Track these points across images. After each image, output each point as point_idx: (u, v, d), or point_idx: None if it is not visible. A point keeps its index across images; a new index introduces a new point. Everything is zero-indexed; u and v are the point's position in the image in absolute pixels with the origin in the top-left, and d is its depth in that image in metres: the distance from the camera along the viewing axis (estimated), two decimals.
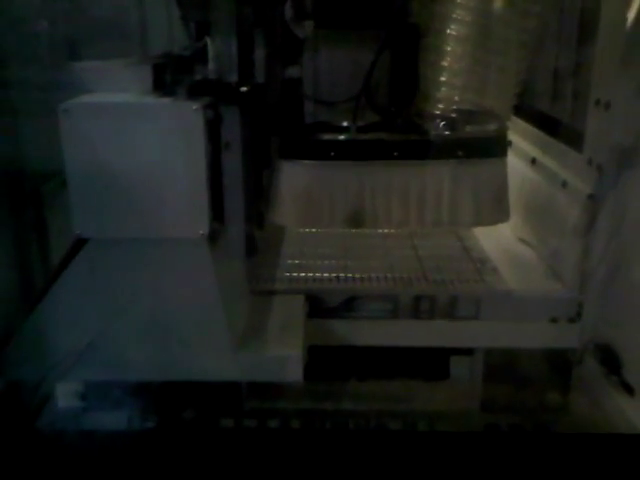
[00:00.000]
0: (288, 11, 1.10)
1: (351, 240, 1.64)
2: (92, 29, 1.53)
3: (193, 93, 1.03)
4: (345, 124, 1.15)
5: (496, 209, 1.22)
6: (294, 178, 1.18)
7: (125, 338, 1.14)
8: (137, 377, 1.18)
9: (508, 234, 1.66)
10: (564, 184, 1.41)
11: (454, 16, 1.08)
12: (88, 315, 1.15)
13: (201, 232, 1.08)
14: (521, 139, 1.65)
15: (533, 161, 1.59)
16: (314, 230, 1.65)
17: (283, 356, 1.19)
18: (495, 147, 1.20)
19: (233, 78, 1.03)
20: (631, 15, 1.18)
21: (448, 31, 1.09)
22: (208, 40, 1.02)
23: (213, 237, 1.11)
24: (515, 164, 1.54)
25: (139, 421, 1.32)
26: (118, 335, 1.14)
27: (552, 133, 1.55)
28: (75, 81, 1.12)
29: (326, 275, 1.47)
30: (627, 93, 1.20)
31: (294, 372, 1.18)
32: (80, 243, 1.14)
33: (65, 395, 1.30)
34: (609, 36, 1.25)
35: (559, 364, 1.42)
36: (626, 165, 1.24)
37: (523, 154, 1.62)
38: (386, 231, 1.66)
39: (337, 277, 1.46)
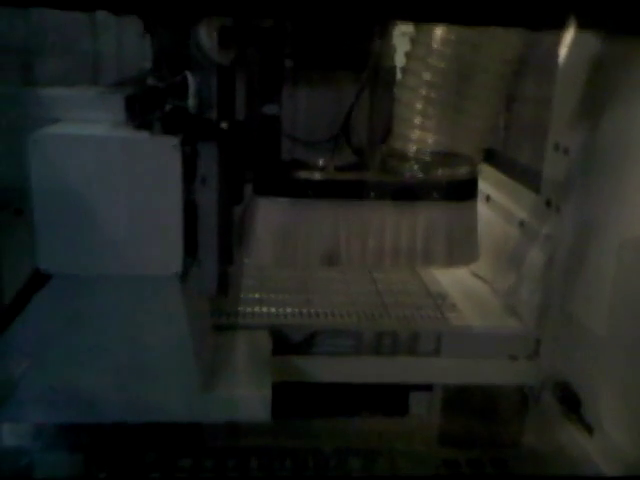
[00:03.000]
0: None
1: (310, 272, 1.64)
2: (53, 52, 1.48)
3: (170, 127, 1.01)
4: (322, 163, 1.15)
5: (467, 250, 1.24)
6: (269, 215, 1.17)
7: (88, 378, 1.09)
8: (100, 419, 1.13)
9: (462, 269, 1.69)
10: (521, 223, 1.45)
11: (429, 61, 1.10)
12: (50, 354, 1.10)
13: (174, 270, 1.05)
14: None
15: (487, 198, 1.62)
16: None
17: (252, 395, 1.16)
18: (466, 190, 1.22)
19: (212, 114, 1.02)
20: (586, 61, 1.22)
21: (423, 75, 1.10)
22: (188, 75, 1.00)
23: (185, 274, 1.08)
24: None
25: (96, 464, 1.27)
26: (81, 375, 1.09)
27: (507, 172, 1.59)
28: (41, 108, 1.07)
29: (288, 310, 1.45)
30: (584, 137, 1.24)
31: (262, 411, 1.16)
32: (40, 277, 1.09)
33: (17, 434, 1.24)
34: (567, 82, 1.29)
35: (518, 400, 1.45)
36: (583, 205, 1.28)
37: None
38: None
39: (300, 312, 1.45)
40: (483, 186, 1.65)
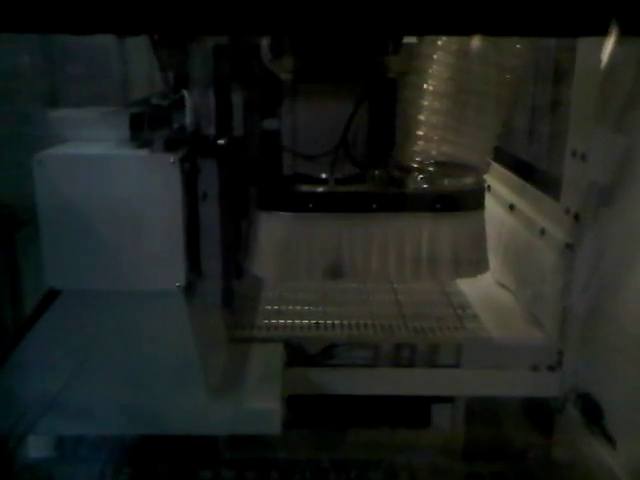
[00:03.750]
0: (266, 55, 1.10)
1: (330, 284, 1.63)
2: (72, 76, 1.53)
3: (170, 145, 1.03)
4: (323, 176, 1.16)
5: (475, 261, 1.22)
6: (272, 229, 1.17)
7: (99, 391, 1.11)
8: (110, 431, 1.15)
9: (488, 277, 1.66)
10: (542, 232, 1.42)
11: (431, 71, 1.09)
12: (61, 367, 1.13)
13: (177, 284, 1.06)
14: (500, 184, 1.67)
15: (511, 207, 1.59)
16: None
17: (261, 408, 1.16)
18: (473, 200, 1.20)
19: (210, 130, 1.03)
20: (604, 66, 1.19)
21: (425, 86, 1.10)
22: (185, 93, 1.02)
23: (190, 289, 1.09)
24: (493, 209, 1.54)
25: (112, 474, 1.29)
26: (91, 388, 1.11)
27: (529, 179, 1.56)
28: (50, 130, 1.11)
29: (305, 322, 1.45)
30: (603, 144, 1.21)
31: (272, 425, 1.16)
32: (53, 293, 1.13)
33: (38, 445, 1.27)
34: (584, 88, 1.26)
35: (541, 412, 1.41)
36: (603, 214, 1.25)
37: (502, 199, 1.63)
38: None
39: (316, 324, 1.45)
40: (507, 194, 1.63)
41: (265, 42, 1.09)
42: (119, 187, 1.03)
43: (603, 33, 1.04)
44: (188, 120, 1.02)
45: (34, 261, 1.23)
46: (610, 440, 1.20)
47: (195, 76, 1.02)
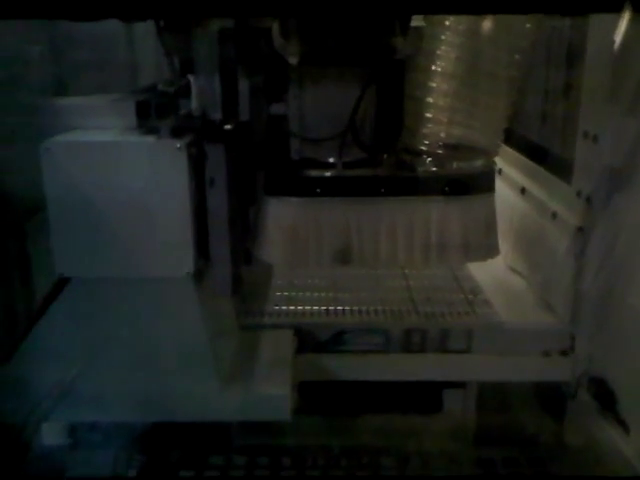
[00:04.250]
0: (277, 39, 1.09)
1: (340, 270, 1.63)
2: (80, 63, 1.52)
3: (177, 130, 1.02)
4: (331, 160, 1.15)
5: (485, 245, 1.21)
6: (280, 215, 1.17)
7: (109, 379, 1.12)
8: (122, 418, 1.16)
9: (499, 262, 1.64)
10: (554, 216, 1.40)
11: (439, 52, 1.07)
12: (72, 355, 1.13)
13: (186, 271, 1.06)
14: (511, 168, 1.65)
15: (522, 190, 1.58)
16: None
17: (271, 395, 1.17)
18: (482, 183, 1.19)
19: (217, 115, 1.02)
20: (616, 47, 1.17)
21: (434, 67, 1.08)
22: (191, 78, 1.01)
23: (198, 275, 1.09)
24: (504, 192, 1.53)
25: (125, 460, 1.30)
26: (102, 376, 1.12)
27: (542, 163, 1.54)
28: (57, 118, 1.11)
29: (315, 308, 1.45)
30: (614, 125, 1.19)
31: (282, 411, 1.16)
32: (64, 281, 1.13)
33: (52, 433, 1.28)
34: (595, 69, 1.24)
35: (553, 397, 1.40)
36: (615, 197, 1.24)
37: (513, 183, 1.62)
38: None
39: (327, 310, 1.44)
40: (518, 178, 1.61)
41: (276, 26, 1.08)
42: (126, 174, 1.03)
43: (616, 10, 1.02)
44: (194, 105, 1.02)
45: (44, 250, 1.24)
46: (623, 425, 1.19)
47: (201, 61, 1.01)
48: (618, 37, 1.16)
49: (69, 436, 1.27)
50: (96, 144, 1.03)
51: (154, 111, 1.07)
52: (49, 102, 1.16)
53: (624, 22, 1.14)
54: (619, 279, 1.23)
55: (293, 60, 1.07)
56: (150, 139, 1.02)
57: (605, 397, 1.25)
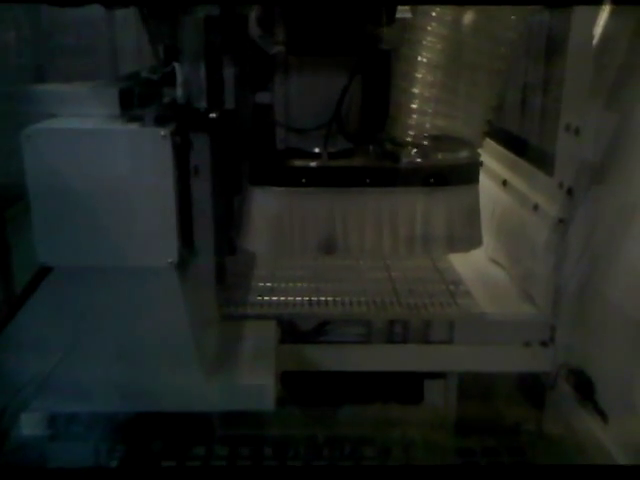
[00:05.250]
0: (254, 29, 1.09)
1: (323, 261, 1.63)
2: (60, 50, 1.50)
3: (161, 119, 1.01)
4: (316, 150, 1.14)
5: (469, 236, 1.21)
6: (264, 204, 1.16)
7: (90, 368, 1.11)
8: (103, 408, 1.14)
9: (480, 254, 1.66)
10: (535, 207, 1.41)
11: (425, 43, 1.07)
12: (53, 345, 1.12)
13: (170, 260, 1.05)
14: (493, 160, 1.66)
15: (504, 183, 1.59)
16: None
17: (254, 385, 1.16)
18: (467, 174, 1.19)
19: (202, 104, 1.02)
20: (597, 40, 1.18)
21: (419, 58, 1.08)
22: (176, 65, 1.00)
23: (182, 264, 1.08)
24: (486, 185, 1.54)
25: (106, 451, 1.29)
26: (83, 366, 1.11)
27: (523, 155, 1.55)
28: (39, 105, 1.09)
29: (298, 299, 1.45)
30: (595, 118, 1.20)
31: (265, 401, 1.16)
32: (45, 270, 1.11)
33: (31, 423, 1.26)
34: (577, 62, 1.25)
35: (534, 388, 1.42)
36: (595, 190, 1.25)
37: (495, 175, 1.63)
38: None
39: (309, 301, 1.45)
40: (500, 170, 1.62)
41: (253, 16, 1.08)
42: (109, 162, 1.01)
43: (596, 2, 1.03)
44: (179, 93, 1.01)
45: (25, 238, 1.22)
46: (602, 415, 1.21)
47: (186, 48, 1.00)
48: (599, 29, 1.17)
49: (49, 427, 1.25)
50: (78, 131, 1.01)
51: (137, 99, 1.06)
52: (30, 89, 1.14)
53: (604, 13, 1.15)
54: (598, 271, 1.24)
55: (272, 50, 1.06)
56: (134, 127, 1.01)
57: (584, 387, 1.27)
